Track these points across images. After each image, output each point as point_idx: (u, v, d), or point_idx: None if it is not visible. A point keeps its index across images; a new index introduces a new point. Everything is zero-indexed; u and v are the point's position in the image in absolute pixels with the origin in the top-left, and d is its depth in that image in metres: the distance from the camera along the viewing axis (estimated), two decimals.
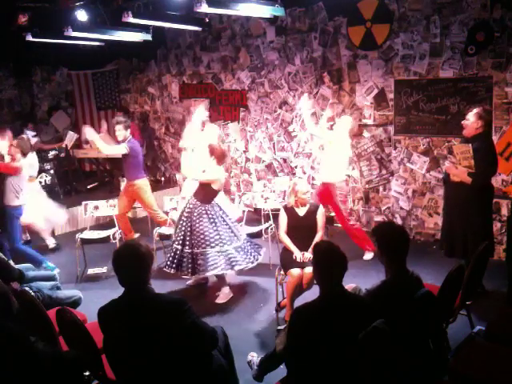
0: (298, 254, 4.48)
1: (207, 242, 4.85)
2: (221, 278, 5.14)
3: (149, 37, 7.15)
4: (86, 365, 3.15)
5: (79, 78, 10.10)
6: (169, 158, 9.42)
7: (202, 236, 4.86)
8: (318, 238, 4.58)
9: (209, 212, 4.94)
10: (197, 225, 4.89)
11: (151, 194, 6.76)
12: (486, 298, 4.67)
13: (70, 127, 10.16)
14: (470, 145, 4.58)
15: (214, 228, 4.90)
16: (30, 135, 5.86)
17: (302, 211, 4.72)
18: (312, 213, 4.69)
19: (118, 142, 6.54)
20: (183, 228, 4.97)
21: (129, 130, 6.50)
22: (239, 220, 6.12)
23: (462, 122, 4.80)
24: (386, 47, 6.56)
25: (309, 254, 4.39)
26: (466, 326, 3.97)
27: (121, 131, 6.42)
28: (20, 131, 8.20)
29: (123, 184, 7.30)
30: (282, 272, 4.58)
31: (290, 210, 4.75)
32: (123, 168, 6.77)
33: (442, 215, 5.24)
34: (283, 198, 6.48)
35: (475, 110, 4.73)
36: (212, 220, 4.92)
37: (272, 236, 5.95)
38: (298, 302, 3.88)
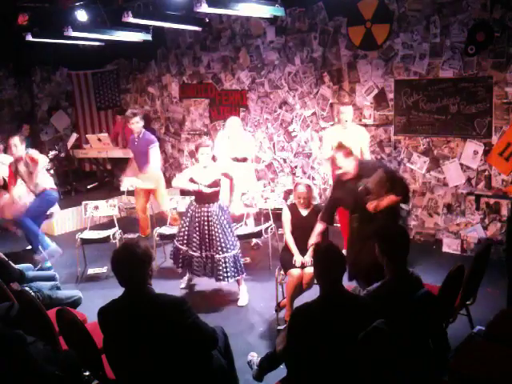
0: (297, 259, 4.44)
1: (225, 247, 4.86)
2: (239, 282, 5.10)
3: (149, 37, 7.15)
4: (86, 365, 3.16)
5: (79, 77, 10.10)
6: (169, 158, 9.41)
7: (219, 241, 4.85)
8: (315, 232, 4.45)
9: (220, 215, 4.93)
10: (213, 229, 4.88)
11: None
12: (486, 298, 4.67)
13: (70, 127, 10.17)
14: (381, 170, 4.26)
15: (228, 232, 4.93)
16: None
17: (305, 211, 4.68)
18: (315, 214, 4.62)
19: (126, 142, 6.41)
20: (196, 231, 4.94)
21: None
22: (239, 218, 6.10)
23: (343, 171, 4.42)
24: (386, 47, 6.55)
25: (309, 258, 4.38)
26: (466, 326, 3.96)
27: (139, 123, 6.25)
28: (17, 131, 8.22)
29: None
30: (282, 272, 4.57)
31: (293, 209, 4.72)
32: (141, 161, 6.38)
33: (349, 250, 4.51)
34: (284, 198, 6.48)
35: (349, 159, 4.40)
36: (222, 224, 4.91)
37: (272, 236, 5.95)
38: (298, 302, 3.87)
